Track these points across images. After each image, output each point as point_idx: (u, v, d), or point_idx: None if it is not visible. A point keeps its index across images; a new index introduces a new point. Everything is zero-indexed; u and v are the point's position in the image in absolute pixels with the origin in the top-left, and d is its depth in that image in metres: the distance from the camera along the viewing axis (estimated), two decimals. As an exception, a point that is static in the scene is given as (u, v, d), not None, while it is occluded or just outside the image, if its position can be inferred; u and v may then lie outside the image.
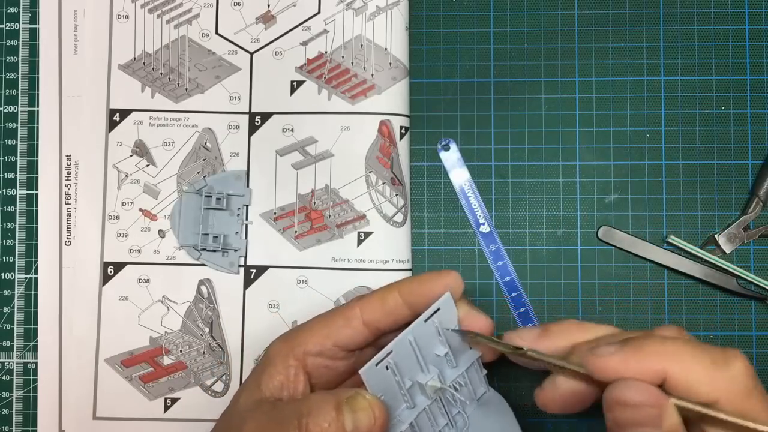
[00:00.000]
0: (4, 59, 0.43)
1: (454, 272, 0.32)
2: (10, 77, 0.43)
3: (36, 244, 0.42)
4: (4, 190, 0.43)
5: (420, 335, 0.31)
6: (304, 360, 0.31)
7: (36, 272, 0.42)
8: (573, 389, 0.27)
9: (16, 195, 0.42)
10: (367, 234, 0.41)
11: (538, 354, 0.28)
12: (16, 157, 0.43)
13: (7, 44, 0.43)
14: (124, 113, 0.42)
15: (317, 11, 0.42)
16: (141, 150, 0.42)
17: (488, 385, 0.34)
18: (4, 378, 0.42)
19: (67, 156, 0.42)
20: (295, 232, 0.41)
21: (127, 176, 0.42)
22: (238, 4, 0.42)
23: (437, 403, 0.32)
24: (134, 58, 0.42)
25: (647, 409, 0.24)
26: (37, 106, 0.42)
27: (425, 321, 0.31)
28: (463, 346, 0.32)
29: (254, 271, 0.41)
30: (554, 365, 0.28)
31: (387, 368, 0.30)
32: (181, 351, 0.41)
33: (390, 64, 0.41)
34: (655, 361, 0.24)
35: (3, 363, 0.42)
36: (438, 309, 0.31)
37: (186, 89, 0.42)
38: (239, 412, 0.31)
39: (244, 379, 0.41)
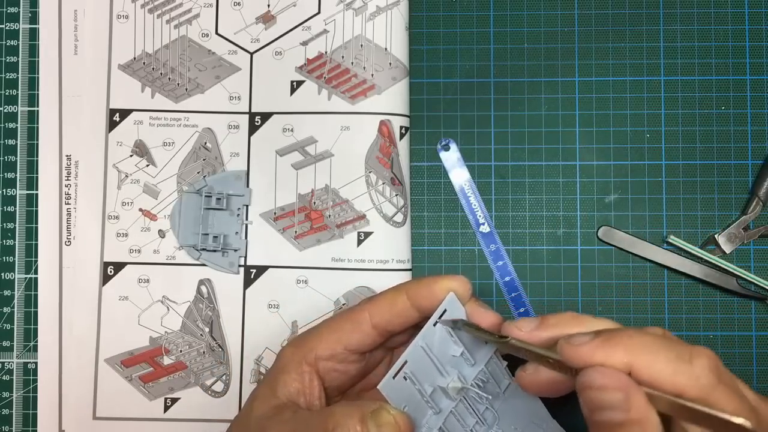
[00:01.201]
0: (4, 59, 0.43)
1: (460, 276, 0.32)
2: (10, 77, 0.43)
3: (36, 244, 0.42)
4: (4, 190, 0.43)
5: (431, 339, 0.31)
6: (316, 365, 0.32)
7: (36, 272, 0.42)
8: (551, 377, 0.29)
9: (16, 195, 0.42)
10: (367, 234, 0.41)
11: (521, 343, 0.29)
12: (16, 157, 0.43)
13: (7, 44, 0.43)
14: (124, 113, 0.42)
15: (317, 11, 0.42)
16: (141, 150, 0.42)
17: (511, 376, 0.34)
18: (4, 378, 0.42)
19: (67, 156, 0.42)
20: (295, 232, 0.41)
21: (127, 176, 0.42)
22: (238, 4, 0.42)
23: (463, 404, 0.32)
24: (134, 58, 0.42)
25: (613, 392, 0.25)
26: (37, 106, 0.42)
27: (434, 325, 0.31)
28: (478, 343, 0.32)
29: (254, 271, 0.41)
30: (535, 354, 0.28)
31: (405, 378, 0.30)
32: (181, 351, 0.41)
33: (390, 64, 0.41)
34: (620, 352, 0.26)
35: (3, 363, 0.42)
36: (445, 310, 0.31)
37: (186, 89, 0.42)
38: (257, 418, 0.31)
39: (247, 385, 0.41)
